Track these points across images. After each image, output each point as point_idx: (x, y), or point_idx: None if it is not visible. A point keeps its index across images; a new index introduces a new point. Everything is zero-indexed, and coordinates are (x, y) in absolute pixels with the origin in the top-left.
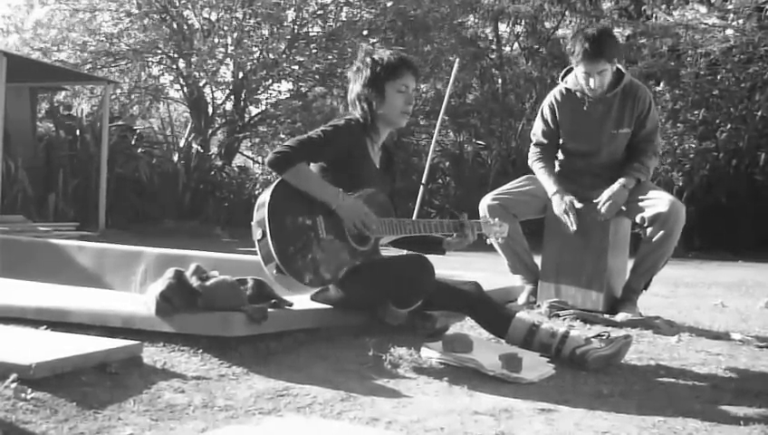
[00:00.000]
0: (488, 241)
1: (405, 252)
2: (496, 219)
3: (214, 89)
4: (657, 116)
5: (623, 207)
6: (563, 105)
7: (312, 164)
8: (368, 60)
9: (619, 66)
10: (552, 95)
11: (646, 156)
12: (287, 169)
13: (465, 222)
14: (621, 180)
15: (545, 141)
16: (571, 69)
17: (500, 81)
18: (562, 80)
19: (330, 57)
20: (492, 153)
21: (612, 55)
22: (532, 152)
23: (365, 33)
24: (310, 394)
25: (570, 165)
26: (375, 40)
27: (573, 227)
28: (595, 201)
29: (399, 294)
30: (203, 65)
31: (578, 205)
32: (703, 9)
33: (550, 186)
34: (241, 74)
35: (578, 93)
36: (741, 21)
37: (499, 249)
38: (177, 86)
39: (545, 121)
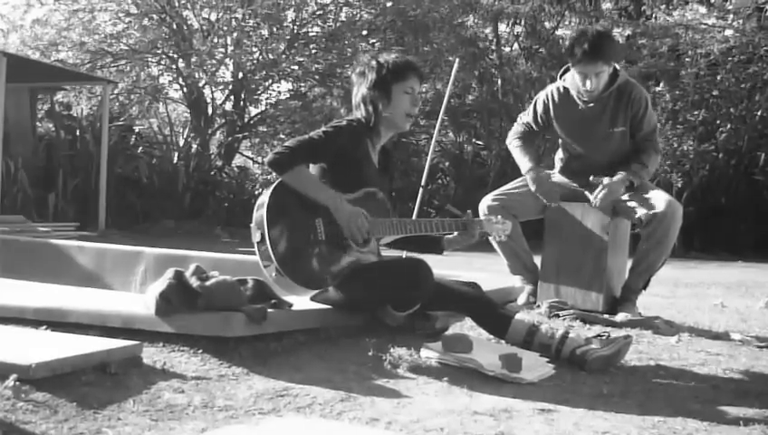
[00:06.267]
0: (491, 239)
1: (403, 253)
2: (499, 217)
3: (213, 89)
4: (654, 116)
5: (623, 202)
6: (559, 104)
7: (312, 164)
8: (373, 63)
9: (615, 66)
10: (549, 91)
11: (646, 154)
12: (286, 171)
13: (468, 221)
14: (621, 174)
15: (531, 126)
16: (570, 68)
17: (500, 81)
18: (561, 78)
19: (329, 57)
20: (492, 153)
21: (610, 57)
22: (513, 130)
23: (364, 33)
24: (309, 394)
25: (569, 166)
26: (374, 40)
27: (554, 203)
28: (594, 178)
29: (397, 297)
30: (202, 65)
31: (556, 179)
32: (702, 9)
33: (524, 163)
34: (240, 74)
35: (574, 93)
36: (741, 21)
37: (499, 250)
38: (177, 86)
39: (536, 113)
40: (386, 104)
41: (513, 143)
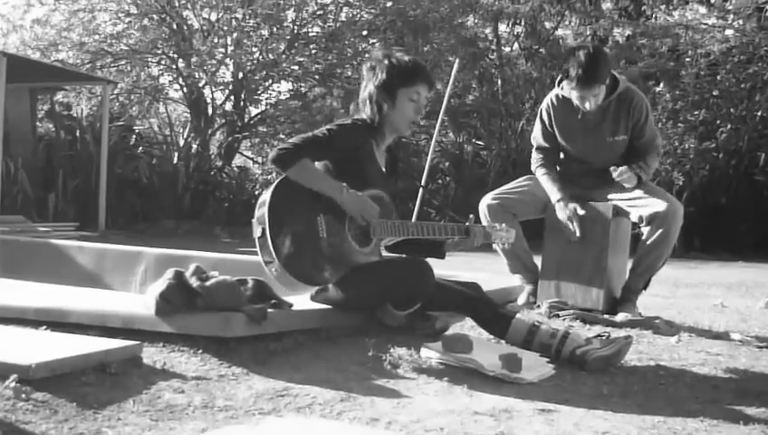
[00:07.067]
0: (494, 246)
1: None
2: (503, 225)
3: (213, 89)
4: (654, 123)
5: (623, 207)
6: (558, 111)
7: (316, 162)
8: (385, 62)
9: (614, 73)
10: (549, 99)
11: (649, 156)
12: (291, 166)
13: (471, 227)
14: (626, 167)
15: (546, 145)
16: None
17: (500, 81)
18: (558, 86)
19: (329, 57)
20: (492, 153)
21: (606, 76)
22: (534, 158)
23: (365, 33)
24: (309, 394)
25: (569, 168)
26: (375, 40)
27: (577, 234)
28: (612, 168)
29: (398, 296)
30: (202, 65)
31: (581, 212)
32: (703, 9)
33: (554, 193)
34: (241, 75)
35: (573, 100)
36: (741, 21)
37: (499, 250)
38: (177, 86)
39: (544, 124)
40: (390, 106)
41: (538, 172)
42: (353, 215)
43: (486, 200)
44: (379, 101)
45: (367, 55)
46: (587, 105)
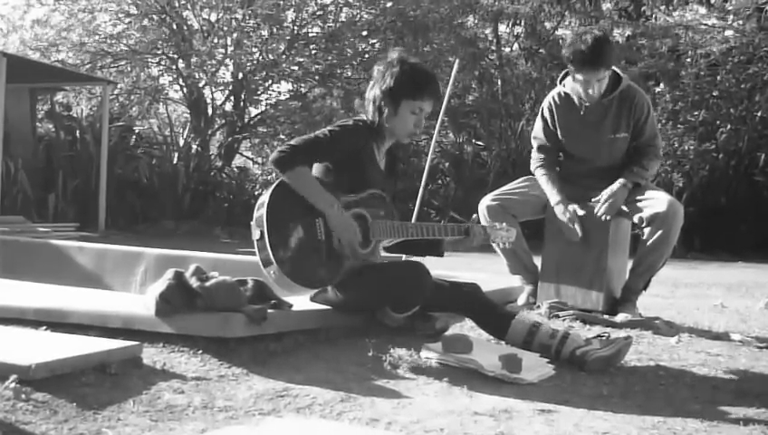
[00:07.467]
0: (494, 246)
1: (402, 256)
2: (504, 224)
3: (213, 89)
4: (655, 122)
5: (623, 207)
6: (561, 108)
7: (316, 163)
8: (395, 69)
9: (617, 70)
10: (551, 96)
11: (647, 158)
12: (288, 170)
13: (471, 227)
14: (621, 180)
15: (547, 144)
16: (569, 73)
17: (499, 81)
18: (561, 82)
19: (329, 58)
20: (492, 154)
21: (611, 62)
22: (534, 158)
23: (365, 33)
24: (309, 395)
25: (570, 167)
26: (375, 40)
27: (579, 235)
28: (594, 199)
29: (397, 299)
30: (202, 66)
31: (581, 212)
32: (702, 10)
33: (553, 195)
34: (240, 75)
35: (575, 98)
36: (741, 22)
37: (499, 250)
38: (177, 87)
39: (545, 122)
40: (391, 113)
41: (537, 172)
42: (334, 232)
43: (486, 201)
44: (382, 105)
45: (368, 56)
46: (590, 92)
